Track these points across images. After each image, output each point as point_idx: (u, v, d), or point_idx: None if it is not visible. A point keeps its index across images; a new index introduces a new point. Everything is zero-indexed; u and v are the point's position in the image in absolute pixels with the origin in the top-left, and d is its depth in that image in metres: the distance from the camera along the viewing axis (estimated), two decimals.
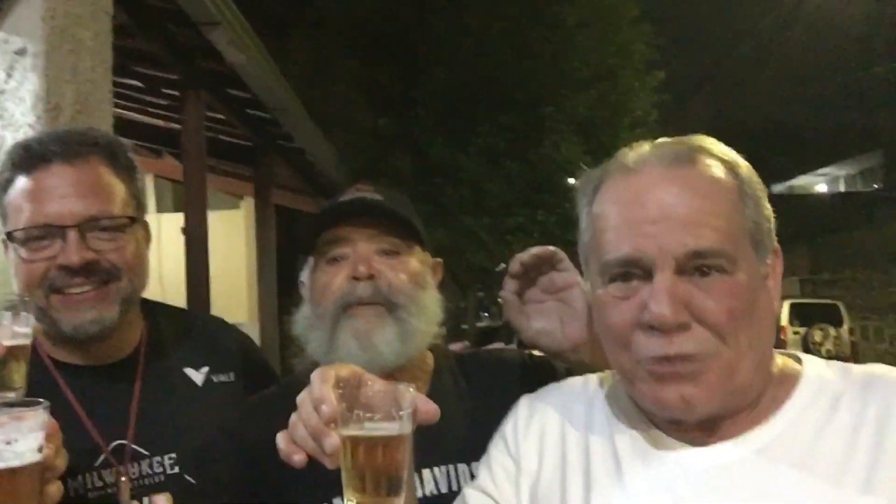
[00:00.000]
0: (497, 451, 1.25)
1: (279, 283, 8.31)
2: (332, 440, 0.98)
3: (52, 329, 1.46)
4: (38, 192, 1.41)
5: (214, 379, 1.68)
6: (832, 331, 14.64)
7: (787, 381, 1.10)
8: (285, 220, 10.24)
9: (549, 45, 14.61)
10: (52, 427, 1.06)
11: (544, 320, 1.47)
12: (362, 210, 1.47)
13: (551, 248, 1.48)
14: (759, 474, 1.01)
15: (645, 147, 1.11)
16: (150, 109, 6.71)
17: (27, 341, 1.17)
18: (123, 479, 1.47)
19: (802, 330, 15.20)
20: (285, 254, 9.88)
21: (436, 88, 15.32)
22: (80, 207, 1.41)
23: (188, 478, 1.52)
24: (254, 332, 6.53)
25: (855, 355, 14.78)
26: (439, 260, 1.62)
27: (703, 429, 1.08)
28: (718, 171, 1.07)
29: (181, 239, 5.23)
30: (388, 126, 16.54)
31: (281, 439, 1.04)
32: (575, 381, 1.30)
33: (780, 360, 1.13)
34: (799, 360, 1.14)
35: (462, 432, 1.42)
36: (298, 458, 1.02)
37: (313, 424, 1.00)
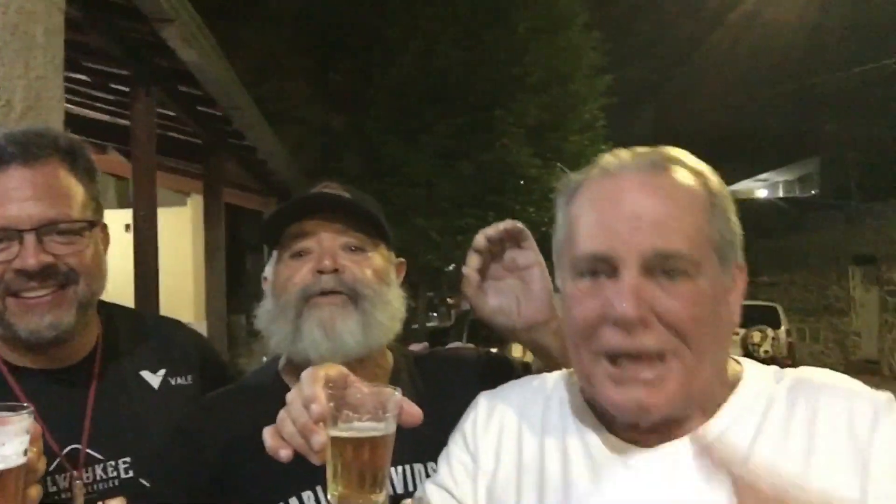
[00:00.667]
0: (456, 446, 1.28)
1: (227, 283, 8.22)
2: (321, 438, 1.02)
3: (7, 333, 1.44)
4: None
5: (171, 382, 1.68)
6: (770, 332, 15.01)
7: (728, 384, 1.15)
8: (234, 219, 10.13)
9: (501, 49, 14.73)
10: (36, 431, 1.07)
11: (501, 298, 1.48)
12: (328, 204, 1.48)
13: (519, 223, 1.49)
14: (702, 475, 1.04)
15: (624, 154, 1.16)
16: (97, 105, 6.59)
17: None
18: (78, 483, 1.46)
19: (742, 331, 15.58)
20: (233, 253, 9.77)
21: (388, 88, 15.31)
22: (37, 210, 1.40)
23: (143, 481, 1.51)
24: (201, 332, 6.43)
25: (792, 356, 15.17)
26: (402, 260, 1.64)
27: (655, 431, 1.11)
28: (690, 180, 1.12)
29: (126, 236, 5.15)
30: (339, 124, 16.44)
31: (268, 435, 1.07)
32: (532, 380, 1.33)
33: None
34: (738, 363, 1.19)
35: (419, 432, 1.45)
36: (285, 454, 1.05)
37: (303, 422, 1.03)
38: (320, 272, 1.43)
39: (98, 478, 1.49)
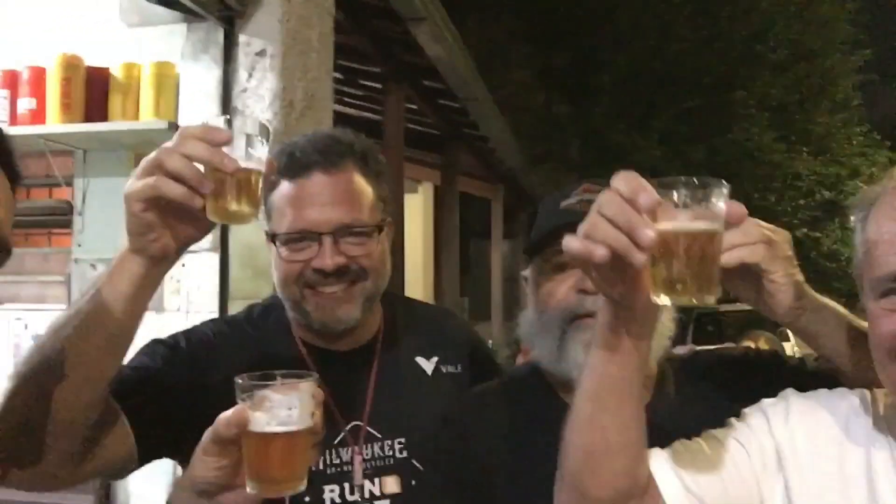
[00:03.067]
0: (757, 424, 1.22)
1: (460, 270, 8.51)
2: (652, 231, 0.92)
3: (303, 319, 1.57)
4: (299, 198, 1.51)
5: (443, 369, 1.73)
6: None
7: None
8: (463, 206, 10.44)
9: (742, 27, 13.82)
10: (319, 396, 1.13)
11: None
12: None
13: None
14: None
15: None
16: (345, 99, 7.04)
17: (260, 167, 1.18)
18: (358, 458, 1.54)
19: None
20: (466, 240, 10.08)
21: (616, 73, 14.96)
22: (335, 215, 1.50)
23: (416, 463, 1.57)
24: None
25: None
26: None
27: None
28: None
29: None
30: (563, 111, 16.35)
31: (571, 240, 0.97)
32: (835, 393, 1.26)
33: None
34: None
35: (685, 432, 1.36)
36: (602, 253, 0.93)
37: (629, 216, 0.93)
38: (584, 291, 1.39)
39: (376, 455, 1.56)
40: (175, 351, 1.53)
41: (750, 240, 1.09)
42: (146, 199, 1.13)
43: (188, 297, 2.81)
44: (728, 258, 1.05)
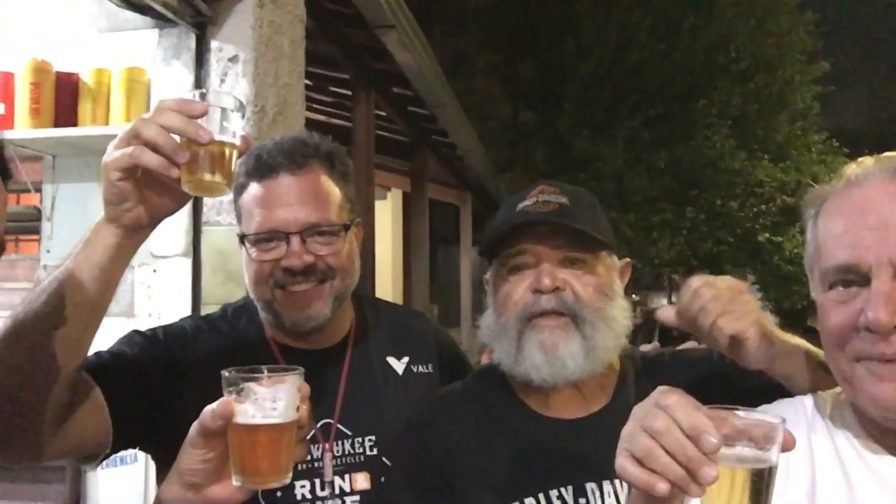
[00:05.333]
0: None
1: (430, 276, 8.53)
2: (714, 471, 0.93)
3: (275, 320, 1.60)
4: (267, 199, 1.55)
5: (414, 369, 1.76)
6: None
7: None
8: (431, 213, 10.47)
9: (704, 36, 14.08)
10: (305, 391, 1.15)
11: None
12: (545, 221, 1.44)
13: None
14: None
15: (868, 161, 1.16)
16: (316, 107, 7.04)
17: (234, 141, 1.19)
18: (328, 454, 1.57)
19: None
20: (435, 247, 10.10)
21: (580, 82, 15.12)
22: (302, 215, 1.54)
23: (385, 460, 1.59)
24: None
25: None
26: (627, 260, 1.59)
27: None
28: None
29: None
30: (528, 119, 16.47)
31: (635, 469, 0.98)
32: (794, 400, 1.29)
33: None
34: None
35: None
36: (664, 488, 0.95)
37: (690, 454, 0.94)
38: (539, 291, 1.41)
39: (346, 452, 1.60)
40: (153, 342, 1.56)
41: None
42: (123, 168, 1.16)
43: (160, 303, 2.80)
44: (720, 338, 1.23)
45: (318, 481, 1.56)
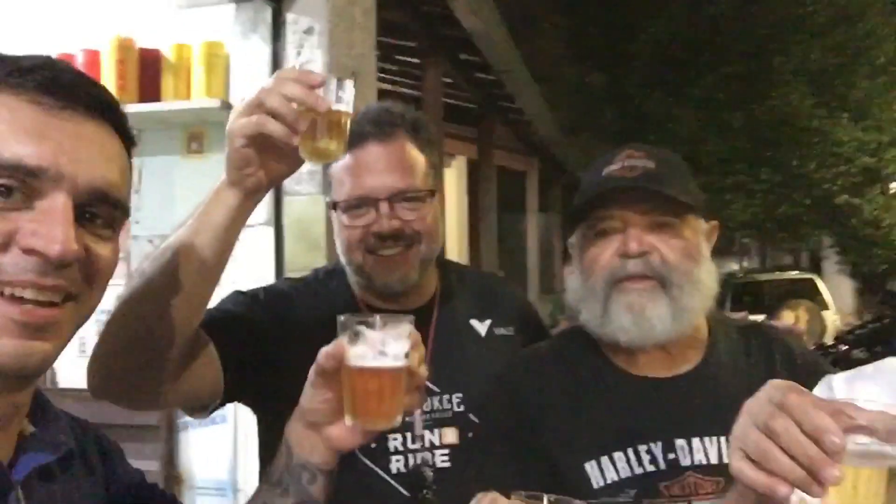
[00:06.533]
0: None
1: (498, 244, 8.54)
2: (838, 471, 0.89)
3: (366, 283, 1.68)
4: (356, 167, 1.61)
5: (496, 331, 1.81)
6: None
7: None
8: (501, 180, 10.45)
9: None
10: (416, 338, 1.16)
11: None
12: (633, 187, 1.44)
13: None
14: None
15: None
16: (382, 76, 7.08)
17: (349, 109, 1.25)
18: (418, 410, 1.62)
19: None
20: (501, 214, 10.09)
21: (651, 41, 14.71)
22: (390, 182, 1.60)
23: (472, 417, 1.65)
24: None
25: None
26: (714, 223, 1.58)
27: None
28: None
29: None
30: (597, 81, 16.15)
31: (752, 472, 0.95)
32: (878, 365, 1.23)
33: None
34: None
35: (735, 406, 1.37)
36: (785, 491, 0.92)
37: (812, 455, 0.90)
38: (626, 255, 1.42)
39: (434, 408, 1.66)
40: (255, 300, 1.65)
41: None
42: (248, 136, 1.23)
43: (246, 271, 2.89)
44: None
45: (409, 435, 1.63)
